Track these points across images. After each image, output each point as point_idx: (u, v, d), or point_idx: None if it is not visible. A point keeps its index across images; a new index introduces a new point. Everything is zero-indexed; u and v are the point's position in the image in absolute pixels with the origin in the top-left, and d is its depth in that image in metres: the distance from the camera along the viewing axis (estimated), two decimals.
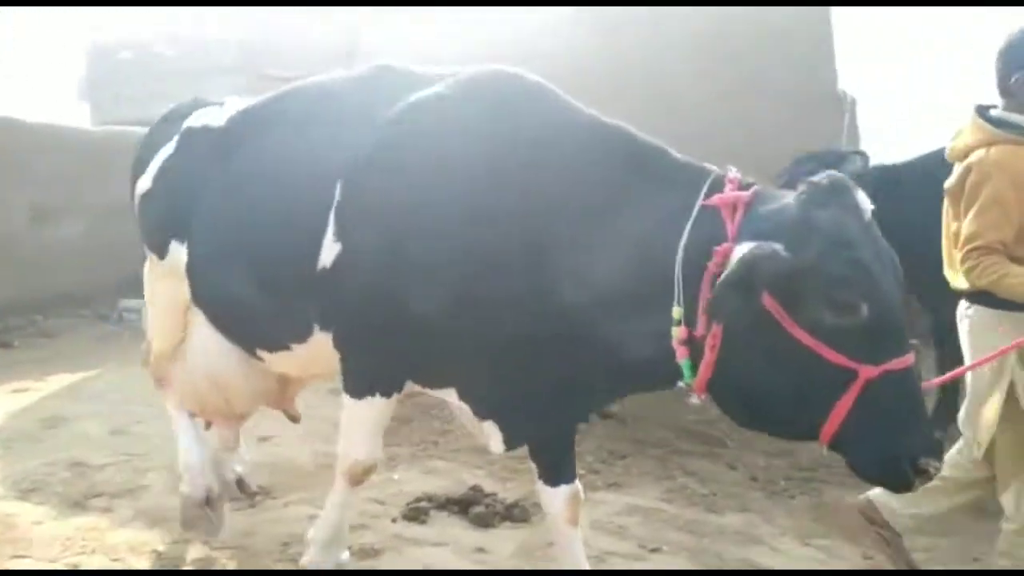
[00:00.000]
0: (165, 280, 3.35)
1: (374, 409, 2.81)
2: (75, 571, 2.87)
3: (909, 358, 2.09)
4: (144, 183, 3.41)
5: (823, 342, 2.04)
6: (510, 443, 2.68)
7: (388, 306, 2.58)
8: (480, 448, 4.89)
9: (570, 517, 2.89)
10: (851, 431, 2.08)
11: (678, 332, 2.19)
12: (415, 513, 3.84)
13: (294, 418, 3.86)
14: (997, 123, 2.90)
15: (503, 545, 3.59)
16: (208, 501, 3.46)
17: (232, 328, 3.22)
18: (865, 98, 7.22)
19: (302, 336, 2.88)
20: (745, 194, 2.23)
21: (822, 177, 2.15)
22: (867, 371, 2.04)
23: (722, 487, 4.31)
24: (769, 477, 4.47)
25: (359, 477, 2.96)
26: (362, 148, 2.68)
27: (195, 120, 3.35)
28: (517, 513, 3.85)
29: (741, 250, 2.07)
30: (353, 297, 2.66)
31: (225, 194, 3.08)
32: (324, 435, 5.11)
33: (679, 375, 2.26)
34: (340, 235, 2.67)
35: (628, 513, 3.95)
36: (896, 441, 2.08)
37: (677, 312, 2.19)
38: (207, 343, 3.32)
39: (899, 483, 2.17)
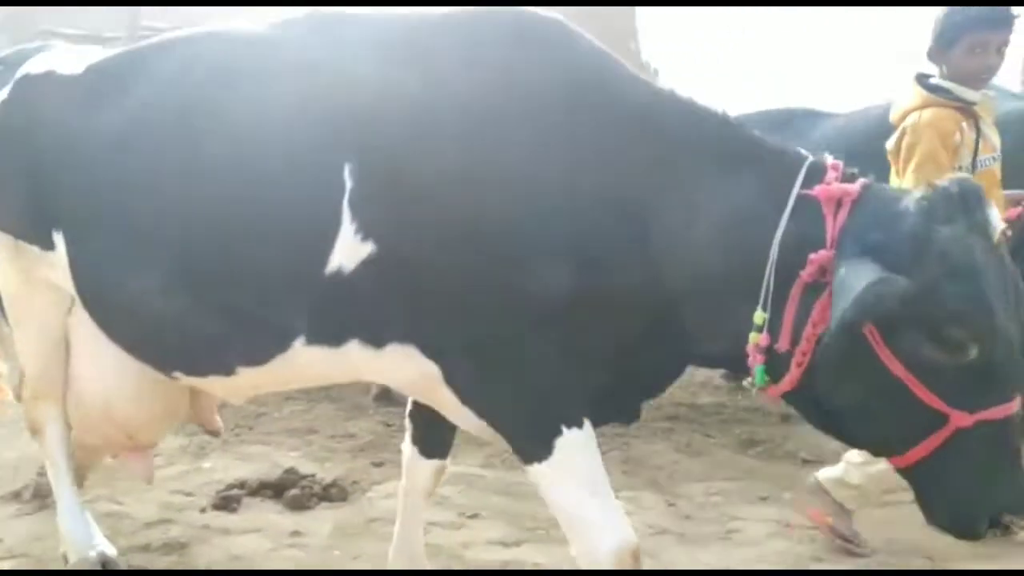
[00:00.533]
0: (41, 283, 2.63)
1: (575, 454, 2.07)
2: (76, 571, 2.68)
3: (1011, 406, 1.83)
4: None
5: (918, 378, 1.80)
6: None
7: (508, 303, 2.03)
8: (294, 429, 4.81)
9: (430, 491, 2.78)
10: (930, 471, 1.88)
11: (758, 339, 1.92)
12: (225, 502, 3.67)
13: (215, 432, 3.30)
14: (932, 89, 3.11)
15: (320, 526, 3.51)
16: (103, 565, 2.97)
17: (140, 346, 2.49)
18: (665, 69, 7.59)
19: (264, 356, 2.24)
20: (852, 188, 1.91)
21: (951, 184, 1.85)
22: (960, 418, 1.80)
23: None
24: None
25: (635, 564, 2.08)
26: (368, 114, 2.09)
27: (36, 66, 2.58)
28: (335, 493, 3.78)
29: (852, 275, 1.76)
30: (443, 304, 2.06)
31: (119, 167, 2.30)
32: None
33: (741, 369, 2.03)
34: (369, 232, 2.06)
35: (451, 482, 3.96)
36: (978, 493, 1.88)
37: (760, 317, 1.92)
38: (97, 364, 2.66)
39: (967, 534, 1.95)
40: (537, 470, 2.08)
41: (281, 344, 2.19)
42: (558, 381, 2.07)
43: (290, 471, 3.91)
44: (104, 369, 2.64)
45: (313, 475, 3.94)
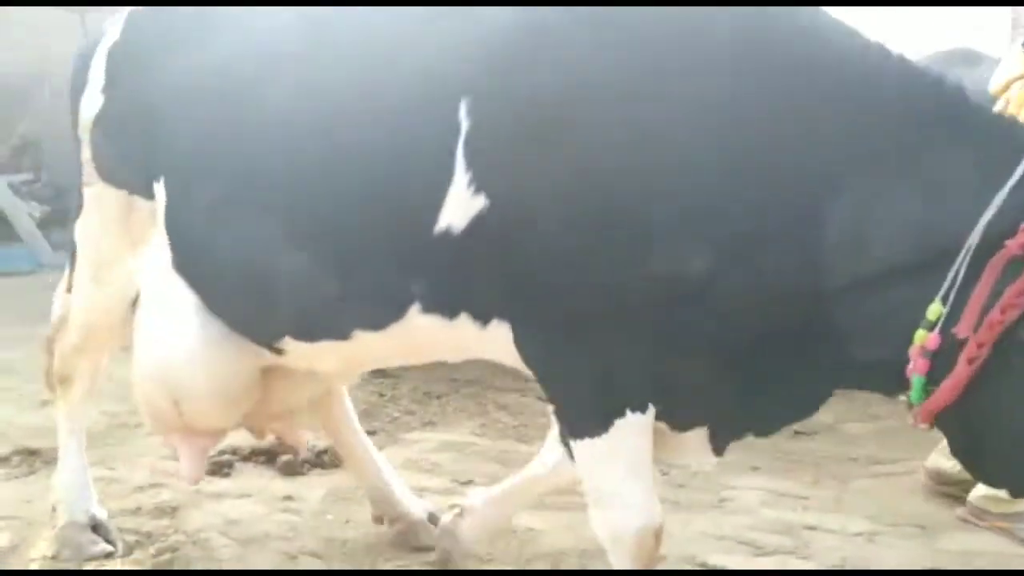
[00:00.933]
0: (133, 236, 2.50)
1: (631, 436, 1.93)
2: (80, 571, 2.61)
3: None
4: (92, 99, 2.50)
5: None
6: (719, 450, 2.13)
7: (610, 280, 1.80)
8: None
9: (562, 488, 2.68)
10: None
11: (925, 339, 1.63)
12: (217, 467, 3.65)
13: (292, 449, 3.22)
14: None
15: (312, 492, 3.50)
16: (94, 528, 2.89)
17: (241, 308, 2.32)
18: None
19: (382, 320, 2.07)
20: None
21: None
22: None
23: (532, 418, 4.42)
24: None
25: (652, 551, 2.05)
26: (491, 47, 1.85)
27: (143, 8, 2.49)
28: (327, 460, 3.76)
29: None
30: (548, 274, 1.84)
31: (225, 111, 2.18)
32: (113, 395, 4.75)
33: (895, 386, 1.77)
34: (483, 184, 1.84)
35: (442, 450, 3.97)
36: None
37: (935, 311, 1.63)
38: (164, 325, 2.43)
39: None
40: (587, 444, 1.95)
41: (398, 309, 2.02)
42: (643, 366, 1.88)
43: (280, 438, 3.88)
44: (172, 330, 2.41)
45: (305, 442, 3.91)
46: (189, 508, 3.30)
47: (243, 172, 2.16)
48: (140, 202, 2.45)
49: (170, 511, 3.27)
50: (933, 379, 1.64)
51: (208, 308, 2.37)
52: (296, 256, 2.09)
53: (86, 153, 2.56)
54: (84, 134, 2.56)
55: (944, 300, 1.62)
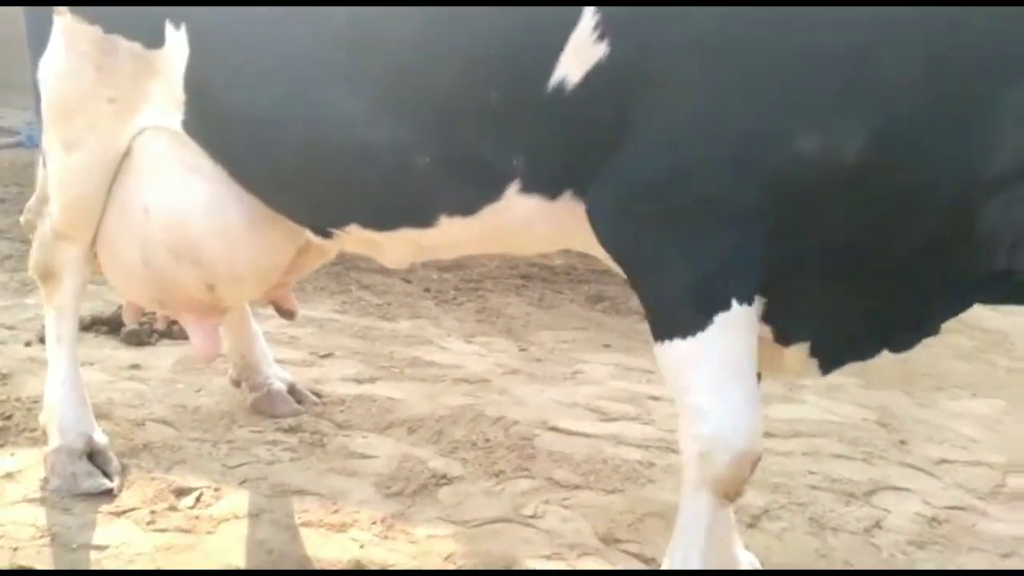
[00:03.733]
0: (110, 95, 2.12)
1: (735, 333, 1.66)
2: (81, 571, 2.20)
3: None
4: None
5: None
6: (826, 368, 1.88)
7: (736, 157, 1.57)
8: None
9: None
10: None
11: None
12: None
13: (291, 313, 2.86)
14: None
15: (160, 362, 3.37)
16: (91, 454, 2.49)
17: (298, 189, 2.02)
18: None
19: (474, 203, 1.82)
20: None
21: None
22: None
23: (396, 298, 4.42)
24: (440, 288, 4.66)
25: (742, 481, 1.78)
26: None
27: None
28: (176, 331, 3.59)
29: None
30: (664, 148, 1.61)
31: None
32: None
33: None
34: (610, 28, 1.59)
35: (302, 325, 3.89)
36: None
37: None
38: (180, 194, 2.13)
39: None
40: (678, 345, 1.68)
41: (494, 189, 1.78)
42: (761, 259, 1.65)
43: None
44: (204, 210, 2.12)
45: (153, 314, 3.73)
46: (22, 375, 3.10)
47: (309, 26, 1.83)
48: (126, 44, 2.05)
49: (1, 378, 3.06)
50: None
51: (242, 184, 2.08)
52: (373, 128, 1.80)
53: None
54: None
55: None
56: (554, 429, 3.05)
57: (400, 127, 1.79)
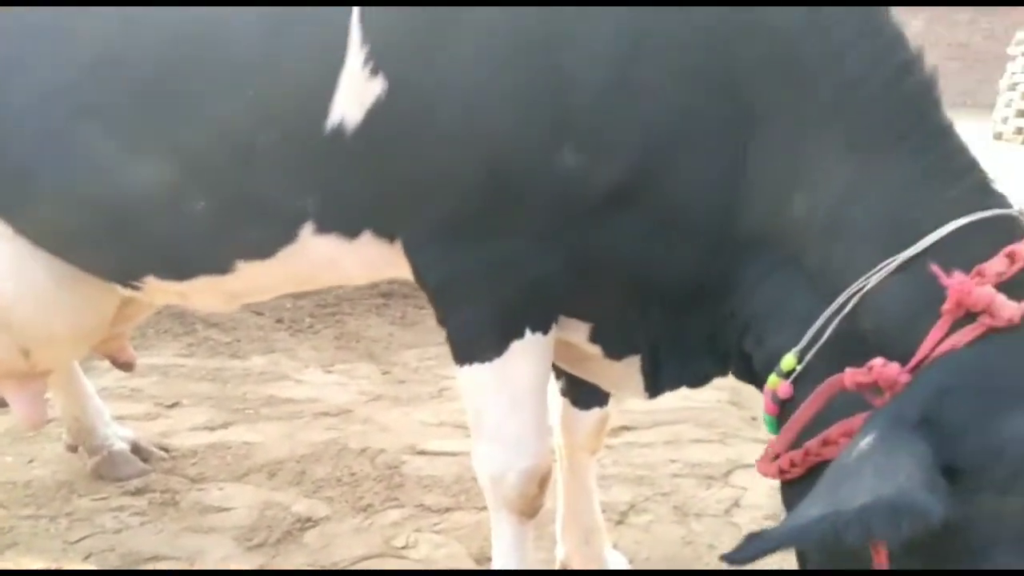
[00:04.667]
0: None
1: (531, 361, 1.68)
2: (76, 571, 2.07)
3: None
4: None
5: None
6: (653, 391, 1.82)
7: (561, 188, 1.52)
8: None
9: (594, 446, 2.22)
10: None
11: (777, 385, 1.43)
12: None
13: (128, 365, 2.66)
14: None
15: None
16: None
17: (86, 245, 1.87)
18: None
19: (268, 246, 1.73)
20: (1010, 309, 1.18)
21: None
22: None
23: (247, 332, 4.23)
24: (295, 316, 4.50)
25: (535, 501, 1.81)
26: None
27: None
28: None
29: (875, 464, 1.09)
30: (445, 170, 1.55)
31: None
32: None
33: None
34: (380, 63, 1.52)
35: (143, 374, 3.66)
36: None
37: (789, 363, 1.41)
38: (16, 272, 1.93)
39: None
40: (475, 369, 1.69)
41: (285, 231, 1.69)
42: (549, 282, 1.63)
43: None
44: (8, 274, 1.93)
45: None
46: None
47: (83, 67, 1.67)
48: None
49: None
50: (784, 422, 1.44)
51: (29, 240, 1.90)
52: (152, 176, 1.68)
53: None
54: None
55: (801, 355, 1.41)
56: (422, 453, 3.01)
57: (163, 170, 1.68)
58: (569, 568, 2.31)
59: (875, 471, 1.07)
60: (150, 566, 2.34)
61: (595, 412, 2.16)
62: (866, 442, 1.12)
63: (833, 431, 1.31)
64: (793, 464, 1.39)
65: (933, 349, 1.22)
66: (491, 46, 1.48)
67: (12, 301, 1.96)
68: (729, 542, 2.48)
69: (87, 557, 2.36)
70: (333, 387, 3.63)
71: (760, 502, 2.71)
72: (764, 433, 3.17)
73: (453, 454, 3.01)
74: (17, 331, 2.02)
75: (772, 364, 1.46)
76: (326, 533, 2.52)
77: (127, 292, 2.00)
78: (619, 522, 2.58)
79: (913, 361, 1.23)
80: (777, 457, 1.42)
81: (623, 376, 1.81)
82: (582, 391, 2.12)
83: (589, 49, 1.46)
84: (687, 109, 1.49)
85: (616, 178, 1.51)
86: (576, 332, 1.75)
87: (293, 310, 4.60)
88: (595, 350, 1.78)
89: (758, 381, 1.56)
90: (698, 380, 1.78)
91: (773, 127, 1.46)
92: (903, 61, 1.42)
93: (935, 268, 1.23)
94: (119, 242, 1.82)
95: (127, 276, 1.92)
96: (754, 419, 3.33)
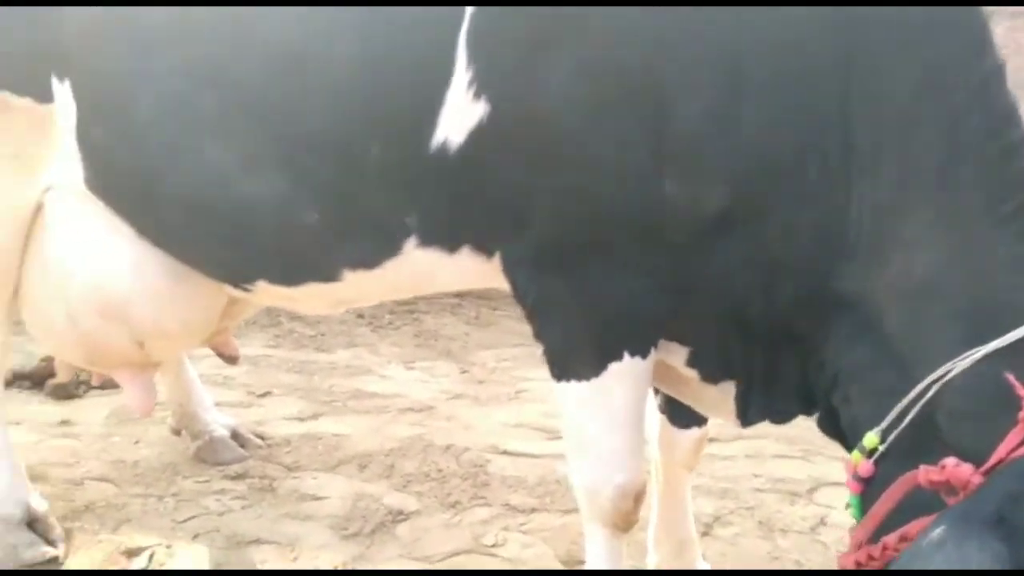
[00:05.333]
0: (11, 150, 2.00)
1: (629, 383, 1.71)
2: (74, 571, 2.14)
3: None
4: None
5: None
6: (745, 419, 1.79)
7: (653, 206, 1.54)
8: None
9: (691, 464, 2.24)
10: None
11: (860, 464, 1.45)
12: None
13: (233, 359, 2.79)
14: None
15: (91, 415, 3.24)
16: (30, 522, 2.36)
17: (202, 248, 1.97)
18: None
19: (375, 257, 1.80)
20: None
21: None
22: None
23: (330, 327, 4.36)
24: (375, 313, 4.63)
25: (629, 516, 1.83)
26: None
27: None
28: (107, 380, 3.47)
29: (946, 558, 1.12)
30: (559, 198, 1.59)
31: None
32: None
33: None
34: (483, 86, 1.56)
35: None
36: None
37: (871, 441, 1.43)
38: (101, 253, 2.04)
39: None
40: (574, 387, 1.73)
41: (392, 244, 1.76)
42: (652, 306, 1.66)
43: (48, 359, 3.52)
44: (117, 259, 2.04)
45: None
46: None
47: (201, 81, 1.75)
48: (17, 101, 1.95)
49: None
50: (867, 501, 1.46)
51: (150, 241, 2.01)
52: (269, 189, 1.76)
53: None
54: None
55: (883, 435, 1.42)
56: (505, 453, 3.08)
57: (280, 183, 1.75)
58: None
59: (945, 561, 1.10)
60: (252, 549, 2.45)
61: (693, 431, 2.18)
62: (937, 533, 1.14)
63: (911, 528, 1.32)
64: (872, 558, 1.40)
65: (1009, 454, 1.23)
66: (591, 74, 1.51)
67: (132, 297, 2.09)
68: (817, 560, 2.49)
69: (195, 536, 2.48)
70: (415, 384, 3.73)
71: (846, 522, 2.70)
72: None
73: (535, 456, 3.07)
74: (134, 325, 2.14)
75: (855, 432, 1.48)
76: (417, 527, 2.60)
77: (237, 293, 2.09)
78: (704, 533, 2.60)
79: (988, 464, 1.24)
80: (859, 547, 1.44)
81: (718, 400, 1.82)
82: (681, 410, 2.13)
83: (693, 77, 1.48)
84: (794, 144, 1.48)
85: (716, 208, 1.52)
86: (674, 355, 1.77)
87: (373, 307, 4.72)
88: (691, 374, 1.80)
89: (843, 442, 1.59)
90: (783, 418, 1.79)
91: (881, 181, 1.45)
92: (1014, 141, 1.42)
93: (1011, 379, 1.26)
94: (235, 248, 1.92)
95: (240, 279, 2.01)
96: None
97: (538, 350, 4.29)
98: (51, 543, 2.36)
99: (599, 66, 1.51)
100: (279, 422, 3.26)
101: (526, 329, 4.58)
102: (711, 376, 1.79)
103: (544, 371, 4.05)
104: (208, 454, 2.90)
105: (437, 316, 4.64)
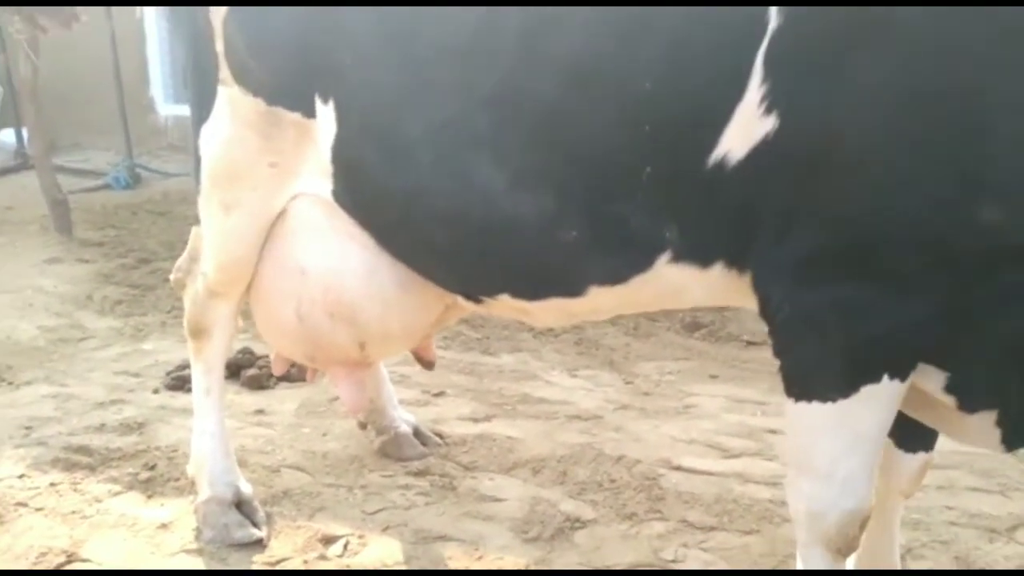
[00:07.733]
0: (270, 162, 2.18)
1: (879, 407, 1.66)
2: (72, 571, 2.34)
3: None
4: None
5: None
6: (1011, 442, 1.75)
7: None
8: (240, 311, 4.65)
9: (910, 490, 2.16)
10: None
11: None
12: (179, 382, 3.54)
13: (430, 364, 2.89)
14: None
15: (283, 406, 3.46)
16: (239, 504, 2.57)
17: (444, 261, 2.04)
18: None
19: (624, 273, 1.80)
20: None
21: None
22: None
23: (493, 331, 4.45)
24: None
25: (853, 540, 1.79)
26: None
27: None
28: (294, 373, 3.68)
29: None
30: (851, 214, 1.54)
31: (437, 29, 1.81)
32: (46, 308, 4.55)
33: None
34: (775, 102, 1.52)
35: (409, 362, 3.94)
36: None
37: None
38: (337, 259, 2.20)
39: None
40: (817, 408, 1.67)
41: (645, 260, 1.76)
42: (925, 329, 1.59)
43: (245, 351, 3.80)
44: (352, 263, 2.18)
45: (267, 356, 3.83)
46: (156, 424, 3.22)
47: (453, 96, 1.79)
48: (289, 116, 2.08)
49: (137, 427, 3.18)
50: None
51: (391, 254, 2.13)
52: (518, 201, 1.77)
53: (219, 46, 2.14)
54: (216, 20, 2.12)
55: None
56: (678, 468, 3.04)
57: (546, 201, 1.77)
58: None
59: None
60: (438, 545, 2.54)
61: (920, 456, 2.09)
62: None
63: None
64: None
65: None
66: (893, 93, 1.45)
67: (363, 302, 2.22)
68: None
69: (385, 529, 2.60)
70: (580, 391, 3.75)
71: None
72: None
73: (710, 473, 3.02)
74: (361, 327, 2.28)
75: None
76: (595, 536, 2.62)
77: (468, 304, 2.16)
78: None
79: None
80: None
81: (974, 428, 1.74)
82: (909, 433, 2.04)
83: (1009, 96, 1.41)
84: None
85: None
86: (930, 380, 1.69)
87: None
88: (948, 400, 1.71)
89: None
90: None
91: None
92: None
93: None
94: (486, 263, 1.96)
95: (482, 292, 2.05)
96: None
97: (702, 365, 4.20)
98: (256, 525, 2.54)
99: (909, 84, 1.44)
100: (454, 422, 3.36)
101: (688, 342, 4.52)
102: (970, 404, 1.70)
103: (711, 387, 4.00)
104: (393, 449, 3.03)
105: (597, 325, 4.63)
